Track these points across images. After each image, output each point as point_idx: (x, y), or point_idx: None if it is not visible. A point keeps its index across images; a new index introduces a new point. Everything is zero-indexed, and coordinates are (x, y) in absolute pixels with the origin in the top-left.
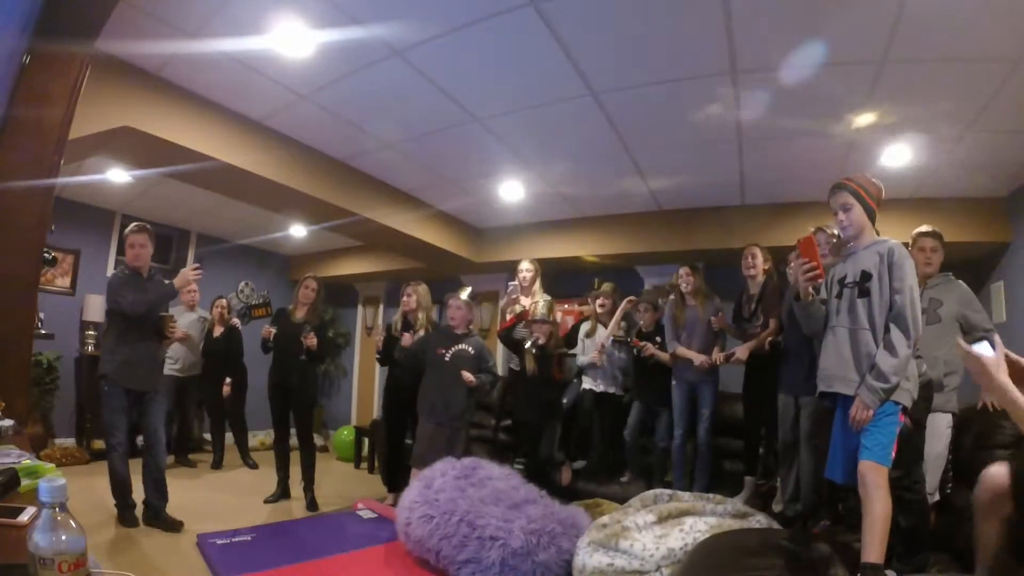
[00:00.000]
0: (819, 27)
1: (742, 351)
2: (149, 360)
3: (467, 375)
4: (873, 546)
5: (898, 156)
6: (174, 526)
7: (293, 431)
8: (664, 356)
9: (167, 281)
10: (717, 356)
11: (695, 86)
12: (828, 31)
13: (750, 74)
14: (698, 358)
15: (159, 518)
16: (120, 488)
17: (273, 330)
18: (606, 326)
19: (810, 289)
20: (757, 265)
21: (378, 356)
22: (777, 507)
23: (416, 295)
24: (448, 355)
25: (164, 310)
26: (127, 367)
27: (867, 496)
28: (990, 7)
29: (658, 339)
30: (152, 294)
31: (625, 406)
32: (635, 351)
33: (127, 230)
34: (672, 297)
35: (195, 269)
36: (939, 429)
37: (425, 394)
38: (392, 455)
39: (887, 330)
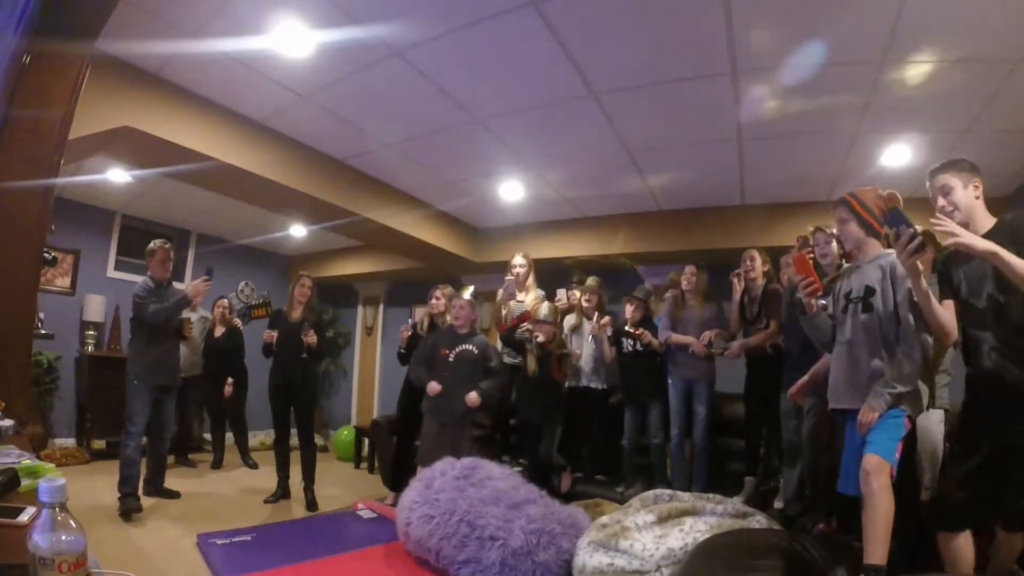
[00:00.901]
0: (819, 27)
1: (736, 348)
2: (171, 359)
3: (472, 397)
4: (875, 547)
5: (898, 156)
6: (172, 494)
7: (293, 431)
8: (656, 342)
9: (182, 288)
10: (710, 336)
11: (695, 86)
12: (828, 31)
13: (750, 74)
14: (693, 342)
15: (158, 489)
16: (127, 479)
17: (275, 333)
18: (591, 320)
19: (812, 302)
20: (756, 268)
21: (401, 351)
22: (778, 505)
23: (444, 298)
24: (452, 356)
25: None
26: (154, 366)
27: (870, 496)
28: (990, 7)
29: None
30: (171, 303)
31: (614, 406)
32: (633, 342)
33: (155, 243)
34: (672, 294)
35: (205, 280)
36: (931, 425)
37: (430, 394)
38: (400, 454)
39: (896, 344)
